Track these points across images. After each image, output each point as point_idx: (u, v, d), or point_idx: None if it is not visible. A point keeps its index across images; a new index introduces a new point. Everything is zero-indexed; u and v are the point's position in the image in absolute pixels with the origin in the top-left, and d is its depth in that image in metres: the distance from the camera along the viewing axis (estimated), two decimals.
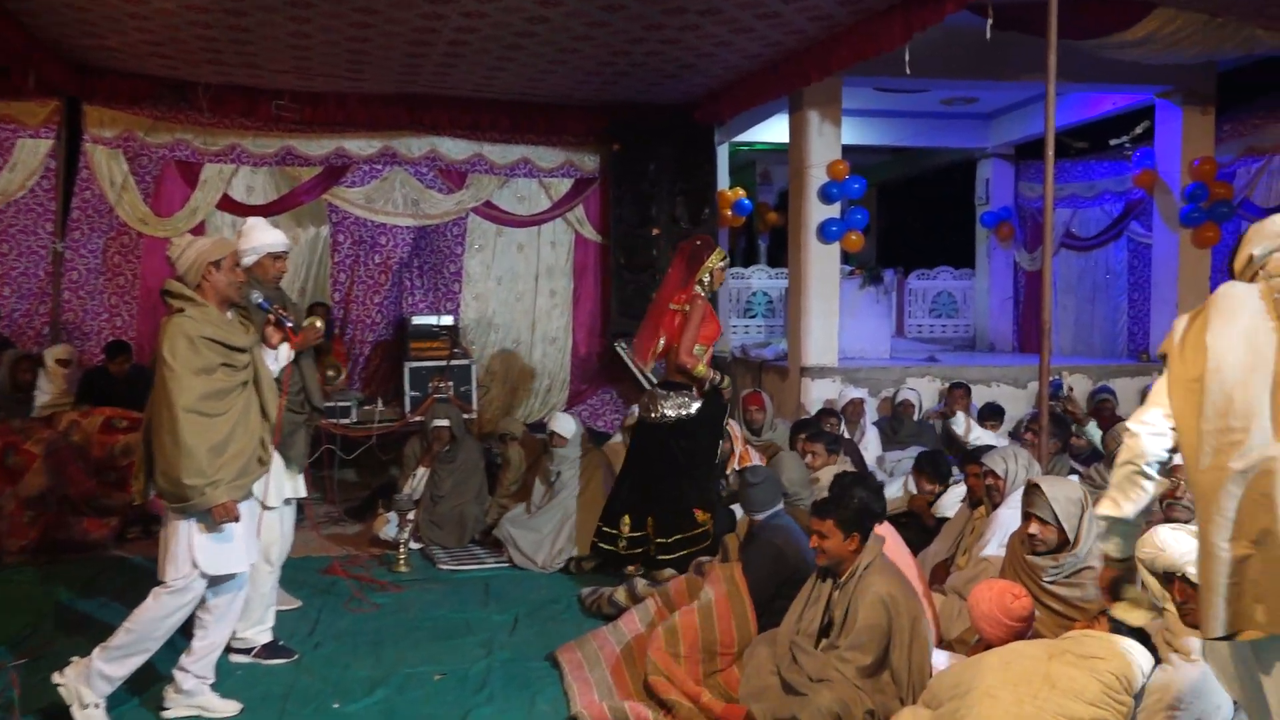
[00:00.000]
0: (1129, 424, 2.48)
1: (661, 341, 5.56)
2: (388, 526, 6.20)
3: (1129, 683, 2.81)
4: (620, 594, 4.91)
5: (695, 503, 5.38)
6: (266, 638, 4.40)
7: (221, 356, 3.63)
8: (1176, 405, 2.35)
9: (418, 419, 7.39)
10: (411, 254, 8.95)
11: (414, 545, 6.17)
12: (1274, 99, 8.55)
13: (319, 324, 4.37)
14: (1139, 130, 9.50)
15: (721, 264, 5.65)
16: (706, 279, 5.58)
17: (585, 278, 9.47)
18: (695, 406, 5.47)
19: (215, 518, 3.60)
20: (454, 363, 8.00)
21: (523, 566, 5.87)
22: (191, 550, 3.62)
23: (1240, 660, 2.35)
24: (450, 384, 7.90)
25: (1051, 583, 3.70)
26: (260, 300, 4.05)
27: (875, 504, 3.65)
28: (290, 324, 4.08)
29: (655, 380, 8.69)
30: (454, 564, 5.96)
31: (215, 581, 3.73)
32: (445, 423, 6.49)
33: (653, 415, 5.52)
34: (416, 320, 8.30)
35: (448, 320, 8.40)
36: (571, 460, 6.17)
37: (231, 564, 3.71)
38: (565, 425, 6.24)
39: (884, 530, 3.83)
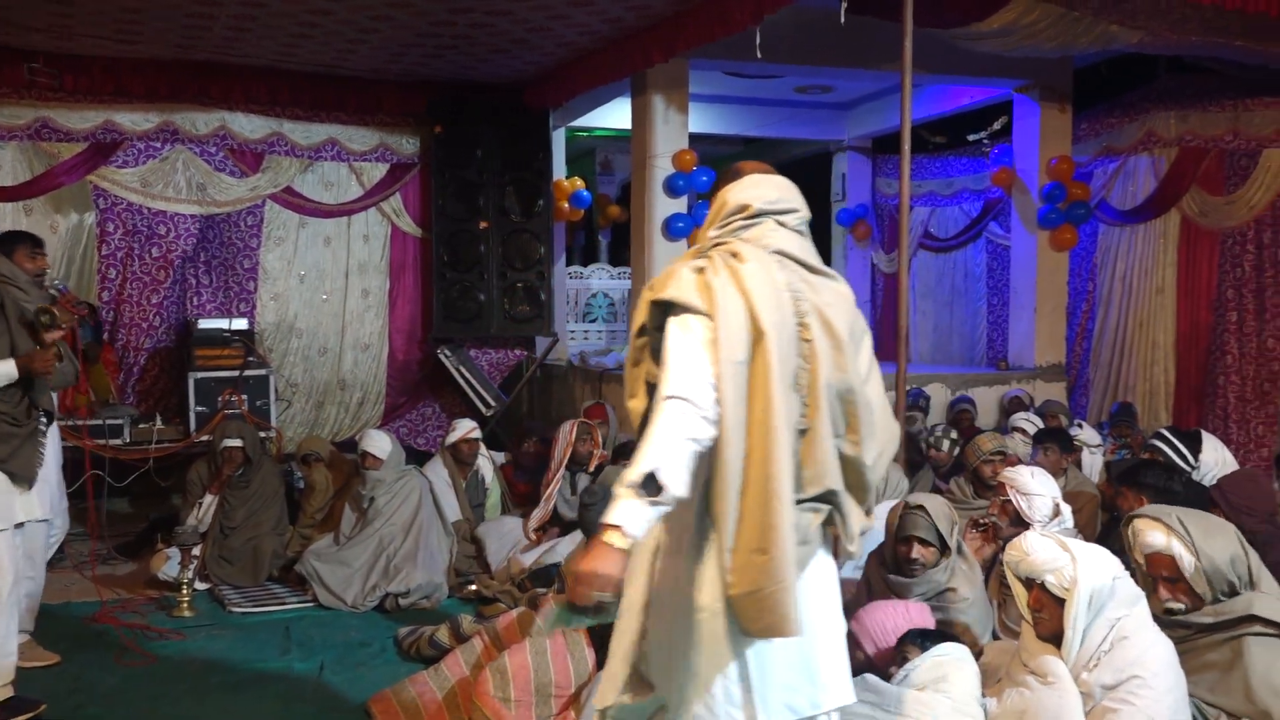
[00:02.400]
0: (677, 393, 2.35)
1: None
2: (168, 564, 5.99)
3: (976, 693, 3.12)
4: (443, 633, 4.88)
5: None
6: (4, 693, 4.15)
7: None
8: (734, 385, 2.38)
9: (204, 438, 7.19)
10: (197, 247, 8.64)
11: (200, 585, 6.00)
12: (1129, 98, 9.24)
13: (56, 362, 4.20)
14: (997, 126, 10.08)
15: None
16: None
17: (403, 276, 9.36)
18: None
19: None
20: (248, 373, 7.80)
21: (330, 606, 5.77)
22: None
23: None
24: (244, 397, 7.71)
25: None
26: None
27: None
28: None
29: (490, 395, 8.71)
30: (248, 605, 5.81)
31: None
32: (238, 442, 6.33)
33: None
34: (203, 324, 8.06)
35: (241, 324, 8.18)
36: (387, 484, 6.10)
37: None
38: (380, 444, 6.17)
39: None
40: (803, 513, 2.46)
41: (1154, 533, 3.30)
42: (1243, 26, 6.75)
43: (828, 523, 2.53)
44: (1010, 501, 4.39)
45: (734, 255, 2.50)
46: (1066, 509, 4.40)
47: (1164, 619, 3.29)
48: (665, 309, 2.48)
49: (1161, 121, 8.84)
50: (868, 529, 2.60)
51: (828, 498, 2.49)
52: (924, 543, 3.96)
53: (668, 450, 2.29)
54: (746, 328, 2.41)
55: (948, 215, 11.14)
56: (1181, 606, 3.27)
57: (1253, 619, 3.19)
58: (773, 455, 2.36)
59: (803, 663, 2.52)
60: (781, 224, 2.59)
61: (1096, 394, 9.33)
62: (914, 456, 6.42)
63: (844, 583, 4.43)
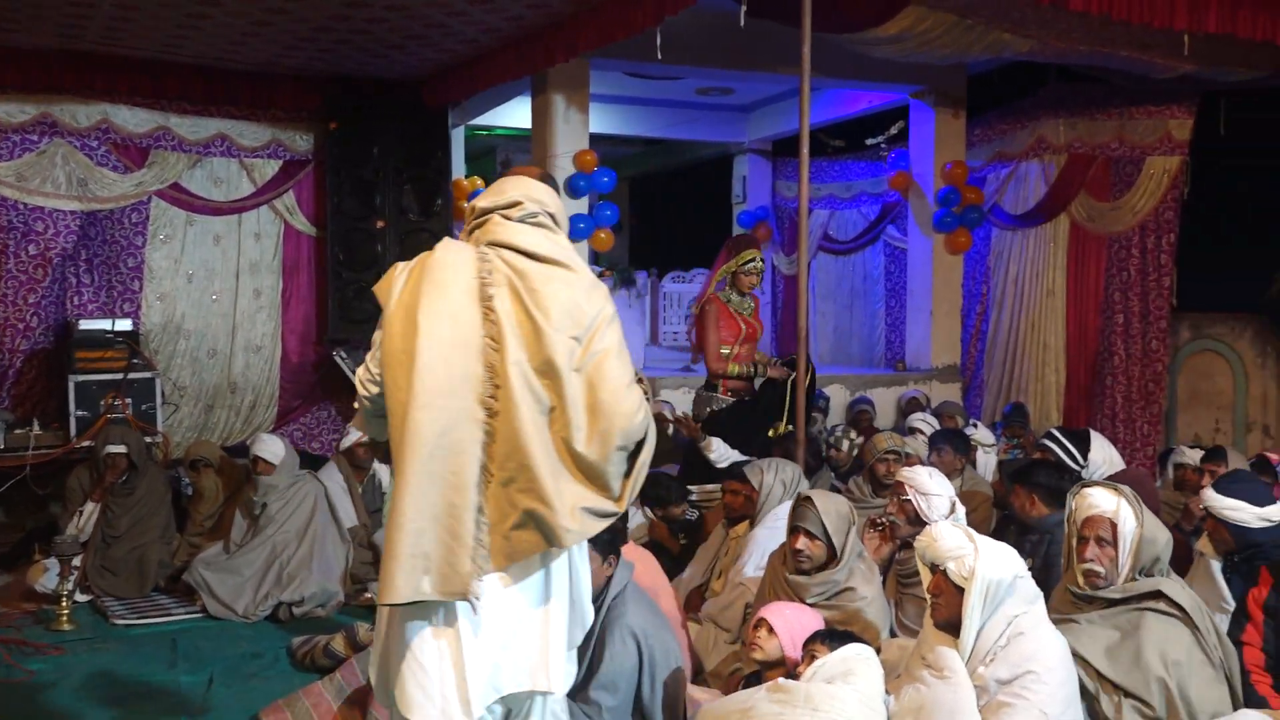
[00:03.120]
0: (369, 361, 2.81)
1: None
2: (46, 576, 5.82)
3: (882, 690, 3.22)
4: (338, 642, 4.82)
5: None
6: None
7: None
8: (388, 370, 2.68)
9: (86, 444, 6.97)
10: (78, 245, 8.35)
11: (81, 597, 5.85)
12: (1020, 105, 9.53)
13: None
14: (894, 130, 10.29)
15: (745, 265, 6.47)
16: (723, 280, 6.53)
17: (297, 276, 9.18)
18: (725, 404, 6.45)
19: None
20: (133, 376, 7.56)
21: (220, 616, 5.67)
22: None
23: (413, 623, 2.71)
24: (128, 401, 7.48)
25: (813, 604, 3.93)
26: None
27: (623, 526, 3.76)
28: None
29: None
30: (132, 617, 5.67)
31: None
32: (121, 448, 6.21)
33: (710, 409, 6.46)
34: (85, 325, 7.80)
35: (125, 325, 7.94)
36: (280, 490, 6.00)
37: None
38: (272, 448, 6.08)
39: (636, 554, 3.93)
40: (502, 489, 2.62)
41: (1106, 496, 3.48)
42: (1127, 37, 7.00)
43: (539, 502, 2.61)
44: (909, 501, 4.47)
45: (433, 250, 2.77)
46: (961, 508, 4.50)
47: (1075, 592, 3.46)
48: None
49: (1051, 128, 9.13)
50: (613, 514, 2.68)
51: (528, 478, 2.60)
52: (810, 535, 3.99)
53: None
54: (400, 316, 2.66)
55: (847, 218, 11.34)
56: (1101, 570, 3.42)
57: (1158, 595, 3.36)
58: (408, 429, 2.58)
59: (506, 643, 2.66)
60: (506, 218, 2.78)
61: (990, 395, 9.59)
62: (810, 460, 6.51)
63: (748, 580, 4.49)
